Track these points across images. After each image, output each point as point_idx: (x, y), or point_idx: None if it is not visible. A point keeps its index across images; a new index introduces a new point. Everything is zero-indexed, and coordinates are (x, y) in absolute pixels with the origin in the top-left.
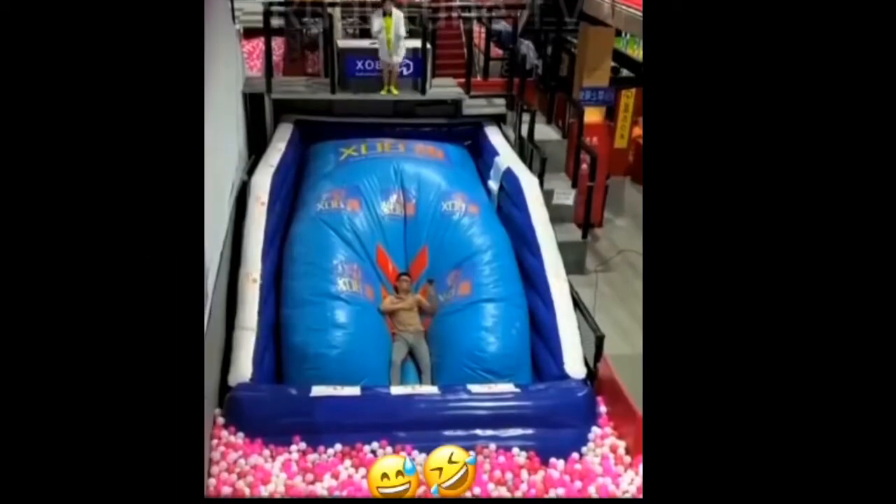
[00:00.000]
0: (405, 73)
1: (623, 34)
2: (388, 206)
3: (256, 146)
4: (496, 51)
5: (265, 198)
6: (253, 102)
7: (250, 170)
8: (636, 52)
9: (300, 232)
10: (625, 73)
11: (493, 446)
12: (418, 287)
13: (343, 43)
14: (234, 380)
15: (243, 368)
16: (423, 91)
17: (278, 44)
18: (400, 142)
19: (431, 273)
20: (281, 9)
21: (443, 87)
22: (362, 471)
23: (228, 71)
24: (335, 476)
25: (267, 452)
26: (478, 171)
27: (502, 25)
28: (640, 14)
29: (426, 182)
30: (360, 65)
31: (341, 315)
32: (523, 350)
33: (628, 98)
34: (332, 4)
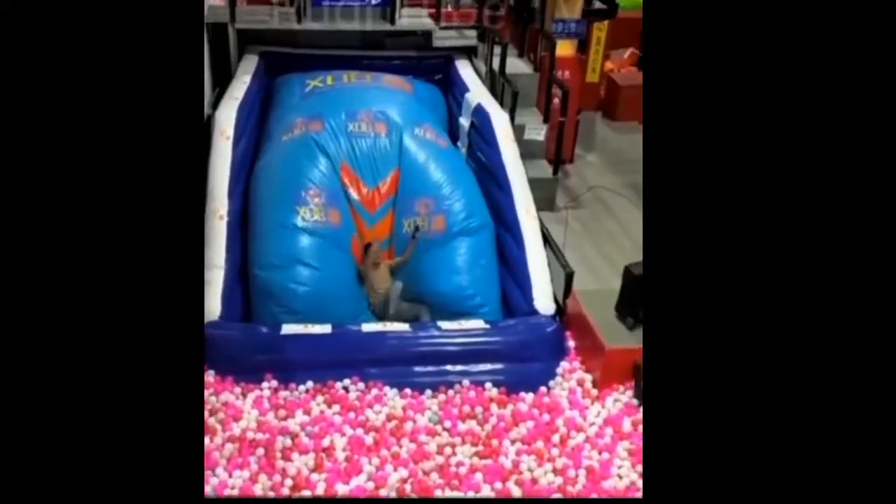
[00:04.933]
0: (374, 1)
1: None
2: (355, 125)
3: (220, 78)
4: None
5: (230, 132)
6: (216, 32)
7: (214, 103)
8: None
9: (264, 165)
10: (597, 5)
11: (466, 382)
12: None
13: None
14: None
15: (212, 307)
16: (393, 21)
17: None
18: (367, 73)
19: (401, 201)
20: None
21: (413, 18)
22: (335, 407)
23: None
24: (307, 412)
25: (238, 390)
26: (448, 110)
27: None
28: None
29: (397, 106)
30: None
31: (304, 249)
32: (490, 285)
33: (600, 31)
34: None
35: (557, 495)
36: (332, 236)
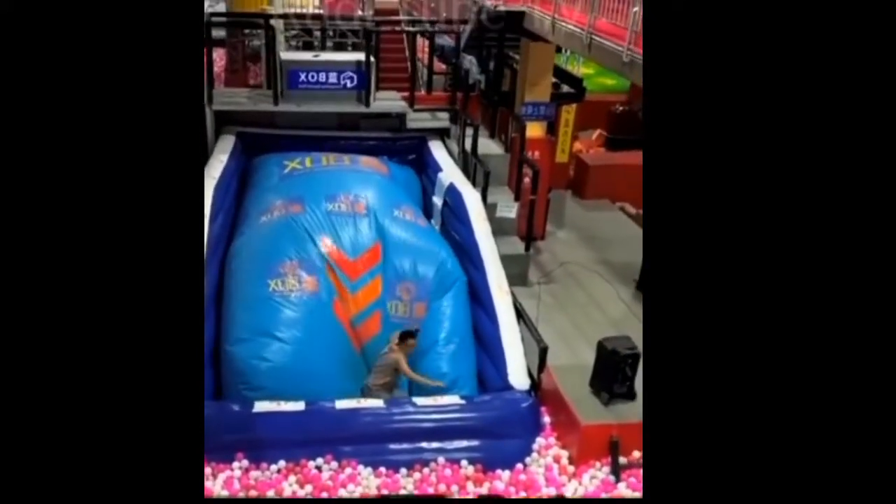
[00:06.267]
0: (349, 85)
1: (563, 50)
2: (335, 206)
3: None
4: (439, 65)
5: (206, 210)
6: None
7: None
8: (576, 69)
9: (240, 244)
10: (565, 88)
11: (441, 459)
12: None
13: (286, 55)
14: None
15: None
16: (367, 104)
17: (220, 55)
18: (345, 155)
19: (385, 282)
20: (222, 19)
21: (387, 101)
22: (308, 487)
23: None
24: (279, 493)
25: (208, 470)
26: (422, 189)
27: (445, 40)
28: (579, 30)
29: (376, 189)
30: (303, 77)
31: (272, 319)
32: (467, 360)
33: (569, 113)
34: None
35: None
36: (307, 304)
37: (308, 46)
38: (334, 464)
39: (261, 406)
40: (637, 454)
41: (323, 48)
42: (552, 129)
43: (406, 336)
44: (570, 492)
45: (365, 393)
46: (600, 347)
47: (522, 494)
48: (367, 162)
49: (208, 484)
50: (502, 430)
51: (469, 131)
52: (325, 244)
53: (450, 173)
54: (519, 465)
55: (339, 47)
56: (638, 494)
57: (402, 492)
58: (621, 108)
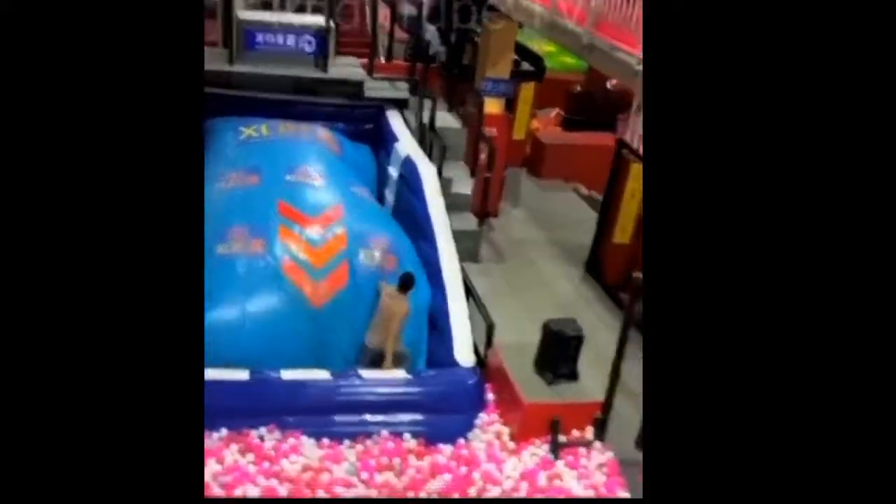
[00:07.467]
0: (307, 49)
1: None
2: (293, 176)
3: None
4: (401, 34)
5: None
6: None
7: None
8: (538, 45)
9: None
10: (525, 66)
11: (385, 432)
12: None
13: (243, 14)
14: None
15: None
16: (325, 69)
17: None
18: (302, 125)
19: (353, 233)
20: None
21: (345, 66)
22: (250, 456)
23: None
24: (220, 461)
25: None
26: (377, 162)
27: (409, 9)
28: (540, 9)
29: (333, 164)
30: (260, 38)
31: (215, 284)
32: (419, 336)
33: (528, 91)
34: None
35: None
36: (250, 265)
37: (267, 6)
38: (277, 434)
39: (205, 374)
40: (576, 433)
41: (282, 9)
42: (510, 106)
43: (409, 281)
44: (509, 468)
45: (369, 359)
46: (546, 328)
47: (463, 469)
48: (322, 136)
49: None
50: (446, 406)
51: (427, 104)
52: (282, 206)
53: (406, 145)
54: (461, 440)
55: (300, 10)
56: (576, 473)
57: (345, 463)
58: (579, 90)
